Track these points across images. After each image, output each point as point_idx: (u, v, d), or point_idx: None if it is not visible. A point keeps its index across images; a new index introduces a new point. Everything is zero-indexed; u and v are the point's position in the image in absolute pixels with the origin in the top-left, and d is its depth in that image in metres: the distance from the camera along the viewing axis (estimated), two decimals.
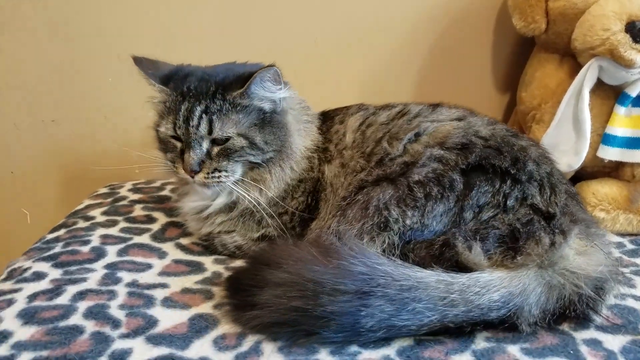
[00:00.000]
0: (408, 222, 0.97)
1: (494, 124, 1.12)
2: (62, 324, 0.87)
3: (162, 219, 1.27)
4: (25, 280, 1.00)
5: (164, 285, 1.00)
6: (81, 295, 0.95)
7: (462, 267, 0.92)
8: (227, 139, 1.07)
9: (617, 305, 0.97)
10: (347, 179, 1.10)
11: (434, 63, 1.59)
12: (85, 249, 1.11)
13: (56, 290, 0.96)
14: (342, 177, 1.11)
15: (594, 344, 0.87)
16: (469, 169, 1.00)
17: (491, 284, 0.88)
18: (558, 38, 1.33)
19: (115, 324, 0.88)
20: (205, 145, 1.08)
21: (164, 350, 0.82)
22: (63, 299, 0.94)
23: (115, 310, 0.91)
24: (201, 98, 1.07)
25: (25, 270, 1.04)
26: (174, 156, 1.13)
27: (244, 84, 1.05)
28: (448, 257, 0.94)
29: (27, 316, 0.89)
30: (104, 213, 1.28)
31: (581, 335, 0.89)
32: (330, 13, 1.53)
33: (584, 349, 0.86)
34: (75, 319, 0.88)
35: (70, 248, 1.11)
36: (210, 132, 1.06)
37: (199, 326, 0.88)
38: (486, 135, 1.06)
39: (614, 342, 0.88)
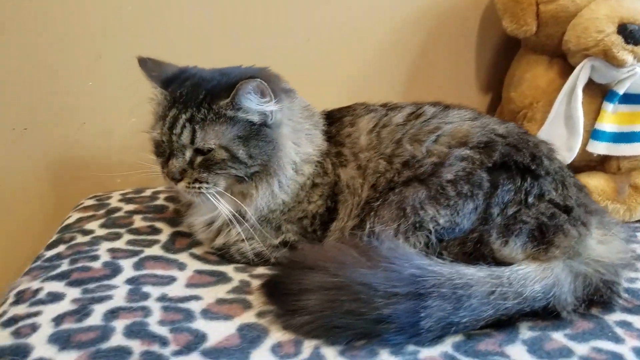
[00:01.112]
0: (441, 221, 0.99)
1: (504, 122, 1.16)
2: (105, 345, 0.81)
3: (166, 229, 1.21)
4: (42, 302, 0.92)
5: (196, 298, 0.96)
6: (113, 314, 0.89)
7: (496, 263, 0.95)
8: (209, 150, 1.03)
9: (629, 289, 1.03)
10: (368, 179, 1.10)
11: (420, 63, 1.62)
12: (96, 264, 1.04)
13: (83, 310, 0.89)
14: (360, 179, 1.11)
15: (626, 325, 0.93)
16: (494, 167, 1.03)
17: (530, 276, 0.92)
18: (548, 40, 1.41)
19: (163, 341, 0.83)
20: (188, 154, 1.05)
21: None
22: (94, 320, 0.87)
23: (156, 327, 0.86)
24: (188, 105, 1.04)
25: (37, 291, 0.96)
26: (162, 161, 1.10)
27: (231, 93, 1.01)
28: (483, 253, 0.97)
29: (61, 341, 0.82)
30: (103, 226, 1.20)
31: (611, 318, 0.95)
32: (323, 12, 1.53)
33: (618, 330, 0.91)
34: (118, 340, 0.83)
35: (79, 265, 1.04)
36: (192, 141, 1.03)
37: (251, 336, 0.85)
38: (503, 133, 1.09)
39: None
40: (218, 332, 0.86)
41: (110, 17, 1.43)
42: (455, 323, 0.85)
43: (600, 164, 1.41)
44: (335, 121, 1.21)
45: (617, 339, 0.89)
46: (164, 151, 1.09)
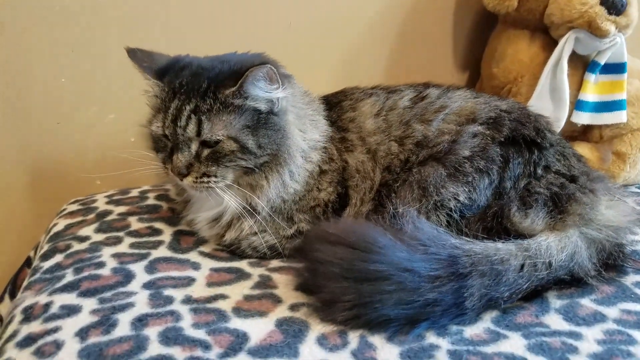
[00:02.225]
0: (461, 197, 1.00)
1: (503, 99, 1.19)
2: (144, 356, 0.76)
3: (166, 229, 1.15)
4: (58, 316, 0.85)
5: (222, 296, 0.92)
6: (141, 322, 0.83)
7: (515, 235, 0.97)
8: (217, 142, 0.99)
9: (635, 251, 1.08)
10: (380, 162, 1.09)
11: (400, 44, 1.62)
12: (104, 272, 0.98)
13: (106, 321, 0.84)
14: (370, 163, 1.10)
15: None
16: (505, 142, 1.04)
17: (552, 246, 0.94)
18: (530, 14, 1.43)
19: (204, 345, 0.79)
20: (194, 147, 1.00)
21: None
22: (123, 330, 0.82)
23: (191, 330, 0.82)
24: (192, 95, 0.99)
25: (48, 305, 0.89)
26: (164, 156, 1.04)
27: (238, 81, 0.97)
28: (505, 226, 0.98)
29: (94, 356, 0.77)
30: (99, 231, 1.13)
31: (628, 280, 0.99)
32: None
33: (639, 292, 0.95)
34: (156, 349, 0.78)
35: (86, 274, 0.97)
36: (198, 133, 0.98)
37: (293, 330, 0.83)
38: (506, 108, 1.11)
39: None
40: (258, 329, 0.83)
41: (84, 9, 1.33)
42: (496, 298, 0.86)
43: (583, 133, 1.46)
44: (333, 106, 1.19)
45: None
46: (166, 145, 1.03)
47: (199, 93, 0.99)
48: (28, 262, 1.33)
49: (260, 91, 0.99)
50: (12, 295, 1.32)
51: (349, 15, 1.55)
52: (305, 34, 1.51)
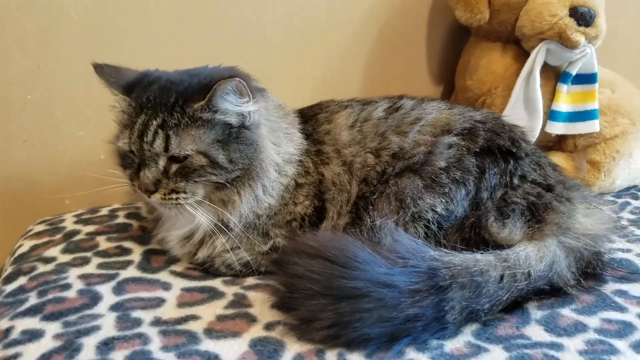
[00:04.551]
0: (439, 209, 0.99)
1: (477, 109, 1.18)
2: None
3: (136, 248, 1.11)
4: (19, 342, 0.81)
5: (194, 317, 0.88)
6: (107, 346, 0.80)
7: (494, 246, 0.95)
8: (186, 157, 0.96)
9: (613, 259, 1.07)
10: (356, 174, 1.07)
11: (375, 57, 1.61)
12: (70, 294, 0.93)
13: (70, 346, 0.79)
14: (346, 175, 1.08)
15: (622, 293, 0.96)
16: (480, 152, 1.03)
17: (531, 256, 0.93)
18: (501, 26, 1.44)
19: None
20: (162, 162, 0.97)
21: None
22: (88, 354, 0.78)
23: (160, 353, 0.78)
24: (159, 110, 0.96)
25: (8, 330, 0.84)
26: (131, 173, 1.01)
27: (206, 95, 0.95)
28: (483, 237, 0.97)
29: None
30: (66, 251, 1.08)
31: (607, 288, 0.98)
32: (278, 10, 1.48)
33: (619, 300, 0.94)
34: None
35: (50, 296, 0.93)
36: (166, 149, 0.96)
37: (267, 351, 0.80)
38: (481, 119, 1.10)
39: (636, 289, 0.98)
40: (231, 350, 0.80)
41: (51, 23, 1.29)
42: (477, 311, 0.85)
43: (558, 143, 1.47)
44: (309, 119, 1.17)
45: (621, 308, 0.92)
46: (133, 162, 1.00)
47: (166, 107, 0.96)
48: None
49: (230, 105, 0.96)
50: None
51: (324, 30, 1.54)
52: (280, 47, 1.50)
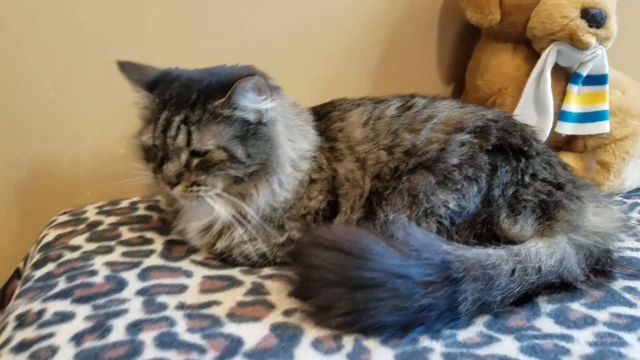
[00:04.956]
0: (451, 205, 1.02)
1: (489, 108, 1.21)
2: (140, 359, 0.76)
3: (157, 238, 1.15)
4: (51, 323, 0.85)
5: (216, 303, 0.92)
6: (136, 327, 0.83)
7: (505, 241, 0.98)
8: (207, 152, 1.00)
9: (622, 257, 1.10)
10: (369, 171, 1.10)
11: (385, 58, 1.64)
12: (97, 279, 0.97)
13: (100, 327, 0.83)
14: (359, 171, 1.11)
15: (632, 290, 0.99)
16: (492, 150, 1.06)
17: (542, 252, 0.95)
18: (512, 28, 1.47)
19: (200, 349, 0.79)
20: (184, 156, 1.01)
21: None
22: (118, 335, 0.82)
23: (187, 335, 0.82)
24: (181, 107, 1.01)
25: (41, 312, 0.88)
26: (154, 166, 1.05)
27: (226, 92, 0.99)
28: (495, 233, 1.00)
29: None
30: (90, 240, 1.13)
31: (616, 285, 1.00)
32: (291, 9, 1.51)
33: (628, 296, 0.97)
34: (152, 353, 0.78)
35: (78, 282, 0.97)
36: (188, 143, 1.00)
37: (287, 334, 0.83)
38: (493, 117, 1.13)
39: None
40: (253, 334, 0.83)
41: (71, 23, 1.33)
42: (489, 303, 0.88)
43: (568, 143, 1.49)
44: (322, 117, 1.20)
45: (630, 304, 0.94)
46: (156, 156, 1.04)
47: (188, 104, 1.00)
48: (17, 273, 1.32)
49: (249, 102, 1.00)
50: (1, 306, 1.31)
51: (333, 31, 1.57)
52: (292, 47, 1.53)
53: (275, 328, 0.85)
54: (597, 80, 1.42)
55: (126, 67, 1.07)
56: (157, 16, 1.42)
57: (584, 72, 1.41)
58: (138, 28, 1.40)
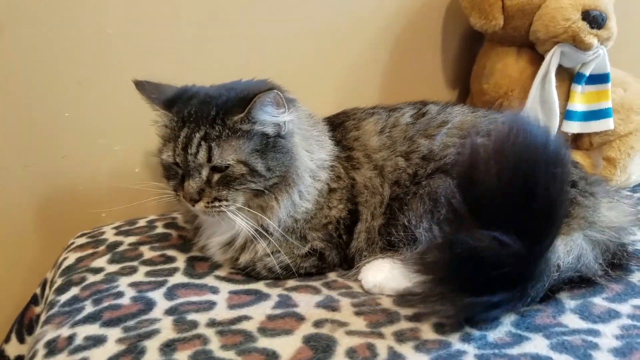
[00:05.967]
0: None
1: (499, 112, 1.23)
2: None
3: (179, 256, 1.16)
4: (84, 348, 0.85)
5: (247, 318, 0.93)
6: (170, 347, 0.84)
7: None
8: (227, 167, 1.01)
9: (638, 250, 1.12)
10: (388, 177, 1.12)
11: (394, 64, 1.67)
12: (124, 301, 0.98)
13: (134, 349, 0.84)
14: (378, 179, 1.13)
15: None
16: None
17: (560, 249, 0.97)
18: (515, 32, 1.50)
19: None
20: (205, 172, 1.02)
21: None
22: (152, 356, 0.82)
23: (221, 352, 0.83)
24: (201, 123, 1.02)
25: (71, 338, 0.88)
26: (175, 184, 1.06)
27: (245, 107, 1.00)
28: None
29: None
30: (112, 262, 1.13)
31: (634, 277, 1.03)
32: (298, 19, 1.53)
33: None
34: None
35: (106, 304, 0.97)
36: (209, 159, 1.01)
37: (322, 346, 0.84)
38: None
39: None
40: (287, 347, 0.84)
41: (88, 41, 1.34)
42: (532, 296, 0.89)
43: (574, 142, 1.52)
44: (337, 126, 1.22)
45: None
46: (177, 173, 1.06)
47: (207, 120, 1.02)
48: (34, 299, 1.32)
49: (268, 116, 1.02)
50: (19, 334, 1.31)
51: (339, 40, 1.59)
52: (300, 57, 1.54)
53: (308, 340, 0.86)
54: (600, 79, 1.46)
55: (143, 86, 1.08)
56: (182, 31, 1.43)
57: (587, 72, 1.44)
58: (158, 46, 1.41)
